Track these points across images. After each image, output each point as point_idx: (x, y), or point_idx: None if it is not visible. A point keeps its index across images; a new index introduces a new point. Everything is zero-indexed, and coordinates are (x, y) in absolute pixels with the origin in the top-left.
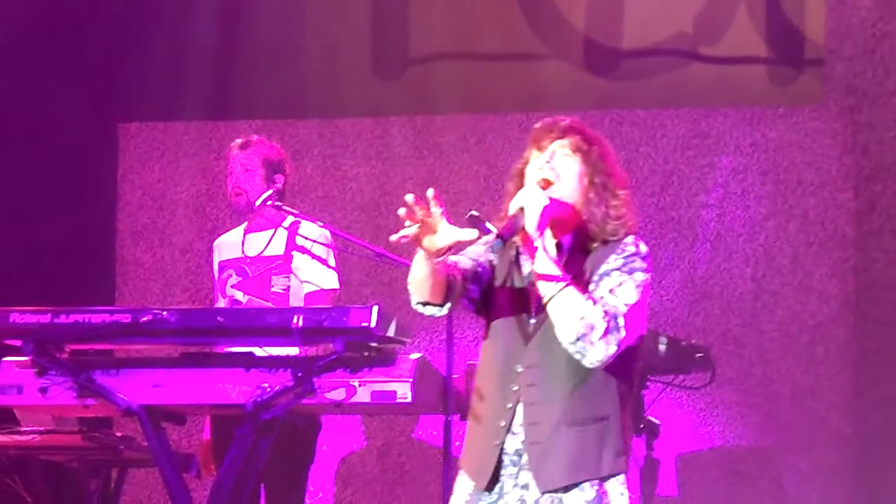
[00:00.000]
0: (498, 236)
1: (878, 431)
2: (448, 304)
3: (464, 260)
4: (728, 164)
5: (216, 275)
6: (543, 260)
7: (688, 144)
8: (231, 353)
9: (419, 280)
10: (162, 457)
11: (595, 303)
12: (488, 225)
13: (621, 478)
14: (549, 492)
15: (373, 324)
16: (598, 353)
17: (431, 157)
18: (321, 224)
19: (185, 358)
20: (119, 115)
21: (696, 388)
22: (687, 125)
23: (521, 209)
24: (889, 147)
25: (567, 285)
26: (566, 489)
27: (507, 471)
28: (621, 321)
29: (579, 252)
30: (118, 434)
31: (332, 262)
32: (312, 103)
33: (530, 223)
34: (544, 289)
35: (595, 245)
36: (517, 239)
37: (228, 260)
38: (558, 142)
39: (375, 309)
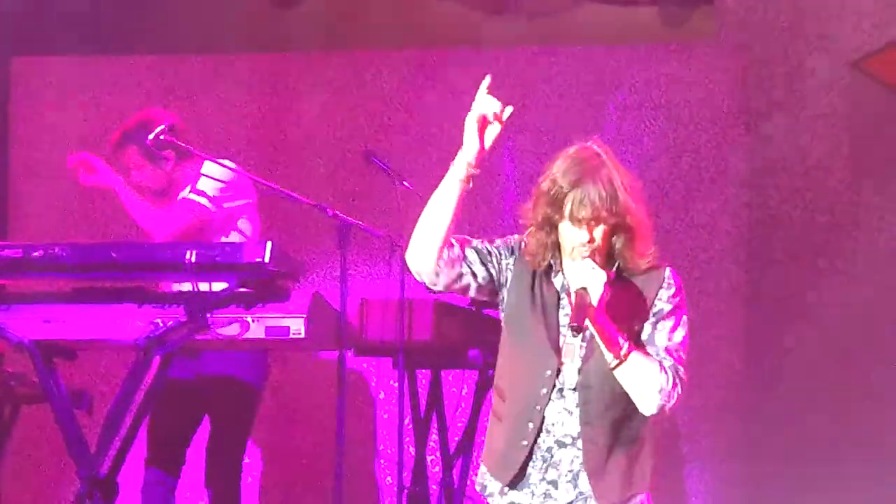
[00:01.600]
0: (576, 328)
1: (768, 369)
2: (441, 276)
3: (479, 245)
4: (621, 100)
5: None
6: (606, 336)
7: (582, 82)
8: (123, 289)
9: (440, 213)
10: (54, 393)
11: (661, 367)
12: None
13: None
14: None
15: (266, 259)
16: (665, 405)
17: (326, 93)
18: (220, 162)
19: (77, 293)
20: (10, 49)
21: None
22: (580, 63)
23: (584, 289)
24: (781, 82)
25: (631, 350)
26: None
27: (536, 465)
28: (682, 372)
29: (618, 283)
30: (9, 370)
31: (211, 192)
32: (205, 38)
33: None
34: (610, 356)
35: (632, 276)
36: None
37: None
38: (593, 220)
39: (269, 244)
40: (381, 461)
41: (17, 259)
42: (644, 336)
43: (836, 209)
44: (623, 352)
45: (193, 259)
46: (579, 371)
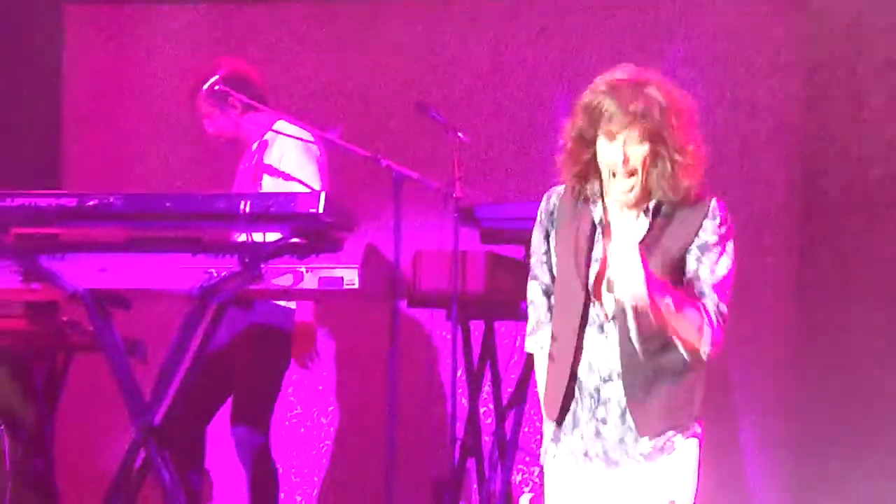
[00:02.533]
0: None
1: (820, 321)
2: None
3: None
4: (677, 51)
5: None
6: (645, 305)
7: (636, 31)
8: (178, 238)
9: None
10: (108, 341)
11: (705, 314)
12: None
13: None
14: (651, 436)
15: (320, 210)
16: (706, 352)
17: (377, 44)
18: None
19: (131, 242)
20: None
21: None
22: (635, 12)
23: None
24: (839, 36)
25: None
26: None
27: (585, 404)
28: (724, 309)
29: (661, 216)
30: (64, 319)
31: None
32: None
33: (634, 296)
34: (662, 316)
35: (675, 208)
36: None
37: None
38: (627, 132)
39: (323, 195)
40: (434, 413)
41: (71, 208)
42: (689, 269)
43: (892, 161)
44: (664, 305)
45: (248, 209)
46: (615, 302)
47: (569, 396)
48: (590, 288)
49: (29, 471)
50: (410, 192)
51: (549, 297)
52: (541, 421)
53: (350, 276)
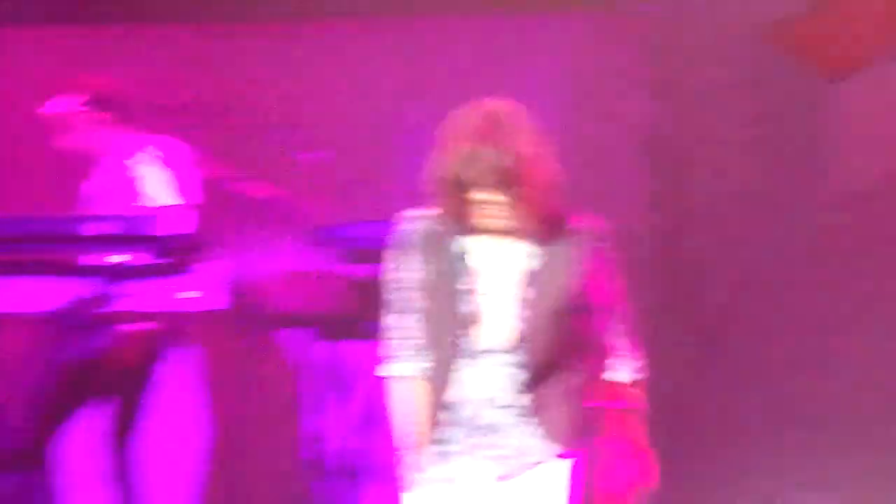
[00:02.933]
0: None
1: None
2: None
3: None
4: (522, 70)
5: None
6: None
7: (482, 52)
8: (44, 261)
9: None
10: None
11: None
12: None
13: None
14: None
15: (183, 231)
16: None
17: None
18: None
19: None
20: None
21: None
22: (482, 34)
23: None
24: (682, 51)
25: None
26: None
27: (456, 432)
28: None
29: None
30: None
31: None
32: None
33: None
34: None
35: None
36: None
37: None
38: (498, 178)
39: (186, 217)
40: (282, 434)
41: None
42: (580, 298)
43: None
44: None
45: (113, 231)
46: (495, 332)
47: (439, 425)
48: (464, 318)
49: None
50: (265, 213)
51: (418, 324)
52: (392, 443)
53: (213, 298)
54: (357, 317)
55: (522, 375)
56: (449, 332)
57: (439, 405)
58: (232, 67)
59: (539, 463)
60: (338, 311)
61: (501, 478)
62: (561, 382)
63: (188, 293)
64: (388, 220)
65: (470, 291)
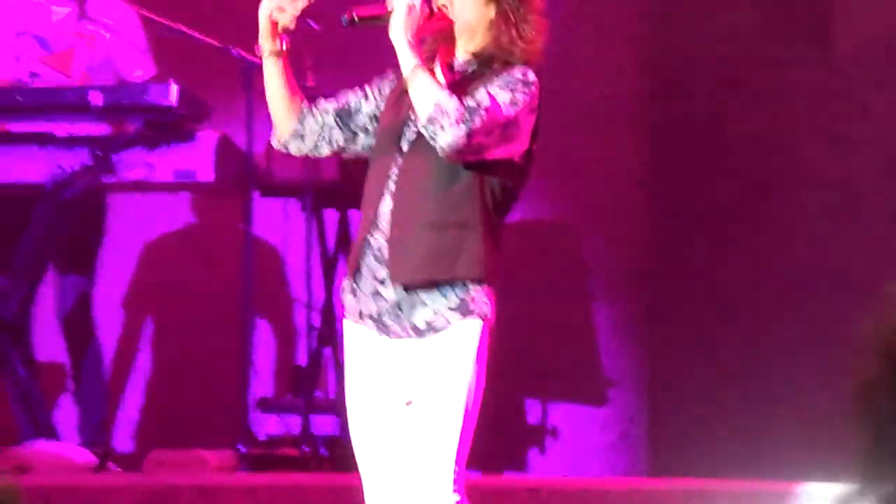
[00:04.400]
0: (349, 16)
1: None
2: (310, 140)
3: (344, 97)
4: None
5: (3, 38)
6: (401, 52)
7: None
8: (27, 133)
9: (272, 94)
10: None
11: (452, 94)
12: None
13: (486, 286)
14: (409, 290)
15: (172, 100)
16: (447, 137)
17: None
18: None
19: None
20: None
21: None
22: None
23: (391, 9)
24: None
25: (421, 68)
26: (426, 290)
27: (369, 262)
28: (480, 112)
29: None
30: None
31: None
32: None
33: (394, 26)
34: (405, 74)
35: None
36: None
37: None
38: None
39: (174, 86)
40: (290, 302)
41: None
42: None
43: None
44: (412, 65)
45: (98, 101)
46: (399, 153)
47: (360, 255)
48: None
49: None
50: (261, 81)
51: (348, 100)
52: None
53: (203, 168)
54: (361, 186)
55: (399, 196)
56: (388, 159)
57: (360, 234)
58: None
59: None
60: (340, 180)
61: (382, 331)
62: (436, 212)
63: (180, 163)
64: None
65: (399, 119)
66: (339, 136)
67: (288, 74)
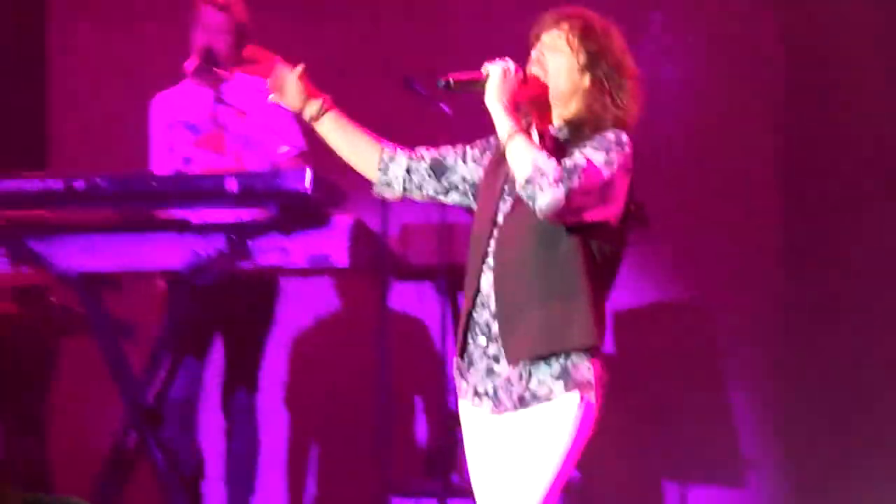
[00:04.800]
0: (445, 80)
1: (806, 289)
2: (398, 186)
3: (443, 151)
4: (659, 18)
5: (158, 132)
6: (497, 117)
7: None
8: (166, 219)
9: (339, 152)
10: (98, 323)
11: (550, 156)
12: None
13: (590, 353)
14: (518, 363)
15: (307, 186)
16: (546, 197)
17: (360, 18)
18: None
19: (120, 223)
20: None
21: (632, 244)
22: None
23: (487, 75)
24: (818, 7)
25: (517, 133)
26: (534, 362)
27: (479, 340)
28: (577, 173)
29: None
30: (54, 301)
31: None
32: None
33: (490, 92)
34: (502, 138)
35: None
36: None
37: (177, 117)
38: (545, 34)
39: (309, 172)
40: (426, 386)
41: (58, 190)
42: None
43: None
44: (508, 129)
45: (234, 188)
46: (498, 223)
47: (466, 331)
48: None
49: (21, 451)
50: None
51: (446, 155)
52: None
53: (338, 252)
54: None
55: (502, 269)
56: (483, 237)
57: (465, 310)
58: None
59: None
60: (462, 263)
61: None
62: (542, 280)
63: (314, 248)
64: None
65: (496, 193)
66: (430, 187)
67: (343, 129)
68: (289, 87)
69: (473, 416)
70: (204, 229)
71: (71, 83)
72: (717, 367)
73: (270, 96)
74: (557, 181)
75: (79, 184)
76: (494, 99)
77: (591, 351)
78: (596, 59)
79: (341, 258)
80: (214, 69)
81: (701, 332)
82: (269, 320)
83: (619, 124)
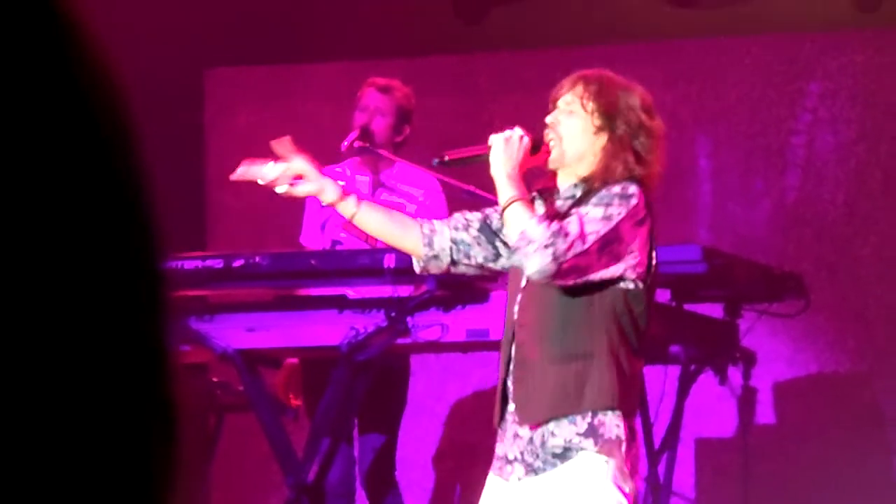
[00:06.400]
0: (440, 159)
1: None
2: (445, 257)
3: (489, 211)
4: (816, 89)
5: (312, 210)
6: (498, 186)
7: (774, 71)
8: (324, 296)
9: (382, 238)
10: (259, 401)
11: (541, 221)
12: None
13: (617, 412)
14: (537, 425)
15: None
16: (533, 263)
17: (517, 93)
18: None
19: (278, 301)
20: (203, 61)
21: (790, 316)
22: (773, 51)
23: (489, 147)
24: None
25: (515, 201)
26: (557, 421)
27: (510, 406)
28: (562, 235)
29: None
30: (214, 379)
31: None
32: (395, 43)
33: (493, 162)
34: (500, 208)
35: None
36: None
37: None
38: (561, 99)
39: None
40: None
41: (218, 269)
42: None
43: None
44: (507, 198)
45: (391, 263)
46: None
47: (500, 397)
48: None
49: None
50: None
51: (491, 217)
52: (694, 465)
53: (496, 327)
54: (653, 342)
55: (521, 337)
56: (509, 307)
57: (499, 379)
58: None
59: None
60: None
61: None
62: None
63: (473, 323)
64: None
65: None
66: (478, 253)
67: (382, 213)
68: (324, 182)
69: (498, 488)
70: (363, 305)
71: (228, 163)
72: (886, 437)
73: (279, 188)
74: (545, 246)
75: (237, 262)
76: (497, 168)
77: (616, 407)
78: (613, 118)
79: (499, 332)
80: (371, 147)
81: (865, 401)
82: (403, 399)
83: (633, 180)
